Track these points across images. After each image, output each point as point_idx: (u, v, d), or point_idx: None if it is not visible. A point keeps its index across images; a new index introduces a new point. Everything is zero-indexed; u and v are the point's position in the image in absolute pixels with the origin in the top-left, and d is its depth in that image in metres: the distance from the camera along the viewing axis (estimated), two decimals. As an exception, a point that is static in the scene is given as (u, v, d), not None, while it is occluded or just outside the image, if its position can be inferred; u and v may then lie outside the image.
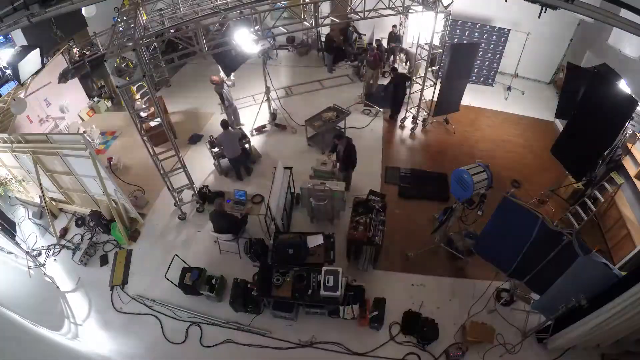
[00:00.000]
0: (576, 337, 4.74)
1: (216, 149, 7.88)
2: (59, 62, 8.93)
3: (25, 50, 4.73)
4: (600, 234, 6.71)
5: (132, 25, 5.52)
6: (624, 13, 4.30)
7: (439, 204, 7.08)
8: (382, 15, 6.83)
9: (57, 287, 6.26)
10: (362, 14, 6.46)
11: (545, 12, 4.68)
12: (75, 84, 9.52)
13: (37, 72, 5.19)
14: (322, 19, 6.40)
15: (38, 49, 4.87)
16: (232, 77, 8.68)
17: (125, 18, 6.17)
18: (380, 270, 6.28)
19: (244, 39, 5.90)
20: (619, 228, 6.25)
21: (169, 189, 7.01)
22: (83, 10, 8.59)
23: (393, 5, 6.85)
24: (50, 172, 6.76)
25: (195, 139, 9.18)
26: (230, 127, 7.50)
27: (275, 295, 5.29)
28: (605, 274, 4.23)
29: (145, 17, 6.89)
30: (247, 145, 8.15)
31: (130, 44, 5.06)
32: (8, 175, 7.25)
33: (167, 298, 5.99)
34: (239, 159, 7.75)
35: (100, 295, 6.16)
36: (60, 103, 9.14)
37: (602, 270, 4.22)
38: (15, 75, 4.72)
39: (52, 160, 6.45)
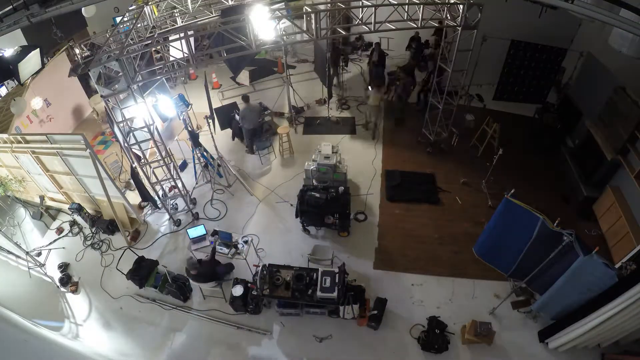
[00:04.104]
0: (576, 337, 4.74)
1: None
2: (59, 62, 8.95)
3: (25, 50, 4.71)
4: (601, 234, 6.70)
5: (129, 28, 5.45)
6: (624, 13, 4.32)
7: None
8: (396, 29, 6.23)
9: (57, 287, 6.26)
10: (371, 27, 5.95)
11: (545, 12, 4.70)
12: (75, 83, 9.54)
13: (37, 72, 5.18)
14: (325, 30, 6.02)
15: (38, 49, 4.85)
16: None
17: (127, 18, 6.12)
18: (380, 270, 6.29)
19: (261, 17, 5.46)
20: (619, 228, 6.25)
21: (159, 199, 7.01)
22: (83, 10, 8.59)
23: (410, 18, 6.13)
24: (50, 172, 6.76)
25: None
26: (250, 102, 8.01)
27: (275, 295, 5.29)
28: (605, 274, 4.24)
29: (156, 14, 6.79)
30: (266, 118, 8.68)
31: (117, 52, 4.88)
32: (8, 175, 7.25)
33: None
34: (255, 132, 8.22)
35: (100, 294, 6.16)
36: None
37: (602, 270, 4.23)
38: (15, 75, 4.69)
39: (52, 160, 6.45)
